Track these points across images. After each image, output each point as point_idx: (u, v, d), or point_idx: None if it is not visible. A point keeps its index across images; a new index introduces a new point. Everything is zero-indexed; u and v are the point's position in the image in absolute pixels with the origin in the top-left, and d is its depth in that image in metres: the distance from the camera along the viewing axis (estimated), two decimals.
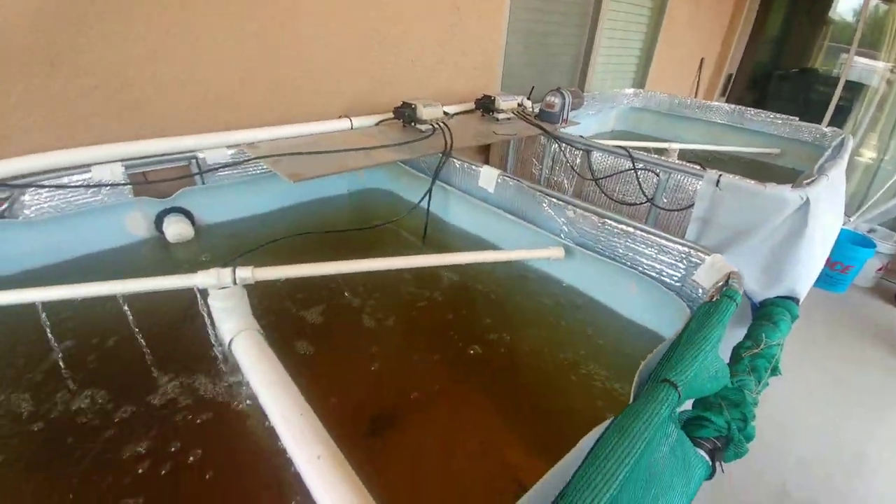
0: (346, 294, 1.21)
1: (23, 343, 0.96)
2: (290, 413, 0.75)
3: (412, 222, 1.54)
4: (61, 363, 0.92)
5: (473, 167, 1.44)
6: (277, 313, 1.13)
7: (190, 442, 0.82)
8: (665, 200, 1.74)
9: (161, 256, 1.31)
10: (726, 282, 0.95)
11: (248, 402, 0.90)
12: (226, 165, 1.40)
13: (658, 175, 1.70)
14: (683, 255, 1.05)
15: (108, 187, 1.24)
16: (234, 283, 0.92)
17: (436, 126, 1.65)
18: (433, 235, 1.51)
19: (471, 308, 1.20)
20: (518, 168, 2.14)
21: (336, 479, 0.66)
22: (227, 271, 0.92)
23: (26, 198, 1.14)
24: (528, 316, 1.18)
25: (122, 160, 1.25)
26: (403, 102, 1.65)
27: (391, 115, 1.69)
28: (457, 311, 1.18)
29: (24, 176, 1.12)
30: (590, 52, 2.87)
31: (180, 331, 1.04)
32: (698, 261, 1.03)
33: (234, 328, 0.93)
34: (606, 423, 0.59)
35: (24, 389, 0.88)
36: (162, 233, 1.35)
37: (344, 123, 1.63)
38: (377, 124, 1.71)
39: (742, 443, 0.73)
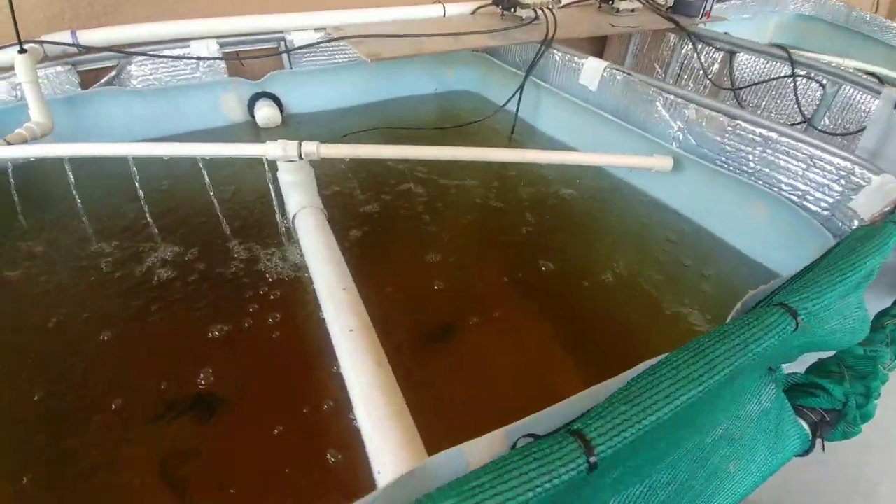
0: (416, 188, 1.14)
1: (117, 199, 1.06)
2: (334, 286, 0.73)
3: (498, 125, 1.39)
4: (148, 217, 1.00)
5: (576, 59, 1.23)
6: (343, 200, 1.11)
7: (252, 300, 0.85)
8: (827, 122, 1.36)
9: (251, 140, 1.35)
10: (894, 209, 0.70)
11: (306, 273, 0.90)
12: (311, 45, 1.35)
13: (823, 86, 1.32)
14: (843, 173, 0.79)
15: (206, 64, 1.27)
16: (300, 156, 0.90)
17: (538, 12, 1.42)
18: (519, 143, 1.36)
19: (549, 220, 1.06)
20: None
21: (364, 353, 0.63)
22: (294, 144, 0.89)
23: (133, 67, 1.21)
24: (615, 237, 1.02)
25: (217, 36, 1.26)
26: None
27: (488, 2, 1.48)
28: (533, 222, 1.06)
29: (131, 45, 1.18)
30: None
31: (255, 202, 1.07)
32: (862, 181, 0.77)
33: (298, 203, 0.93)
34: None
35: (112, 237, 0.98)
36: (253, 116, 1.38)
37: (436, 10, 1.47)
38: (473, 12, 1.52)
39: (857, 422, 0.56)
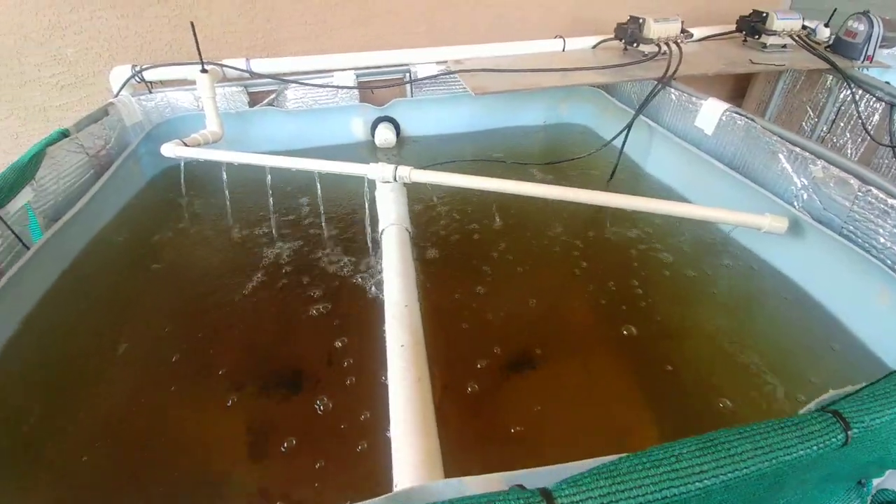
0: (498, 223, 1.17)
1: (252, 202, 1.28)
2: (398, 301, 0.80)
3: (604, 164, 1.35)
4: (272, 220, 1.19)
5: (694, 99, 1.15)
6: (427, 223, 1.19)
7: (329, 299, 0.97)
8: None
9: (366, 157, 1.52)
10: None
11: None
12: (432, 77, 1.48)
13: None
14: None
15: (343, 91, 1.48)
16: (395, 179, 1.00)
17: (663, 46, 1.35)
18: (622, 183, 1.30)
19: (638, 274, 1.00)
20: (782, 118, 1.60)
21: (408, 369, 0.69)
22: (391, 167, 1.00)
23: (288, 92, 1.46)
24: (712, 300, 0.92)
25: (354, 68, 1.46)
26: (630, 17, 1.40)
27: (609, 36, 1.46)
28: (618, 275, 1.00)
29: (288, 74, 1.43)
30: None
31: (350, 213, 1.21)
32: None
33: (388, 220, 1.03)
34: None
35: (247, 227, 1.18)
36: (373, 138, 1.56)
37: (556, 44, 1.50)
38: (595, 46, 1.51)
39: None
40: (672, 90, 1.22)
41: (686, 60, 1.27)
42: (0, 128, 1.47)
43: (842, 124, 1.37)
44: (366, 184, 1.04)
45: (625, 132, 1.26)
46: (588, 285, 0.98)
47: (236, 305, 0.96)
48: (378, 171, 1.01)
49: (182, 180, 1.21)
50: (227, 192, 1.17)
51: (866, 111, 1.27)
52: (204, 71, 1.26)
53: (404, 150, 1.55)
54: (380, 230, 1.04)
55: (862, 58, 1.29)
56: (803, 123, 1.51)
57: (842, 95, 1.35)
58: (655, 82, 1.25)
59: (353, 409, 0.76)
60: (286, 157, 1.08)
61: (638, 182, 1.31)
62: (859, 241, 0.78)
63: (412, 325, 0.76)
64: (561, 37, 1.51)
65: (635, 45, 1.39)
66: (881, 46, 1.29)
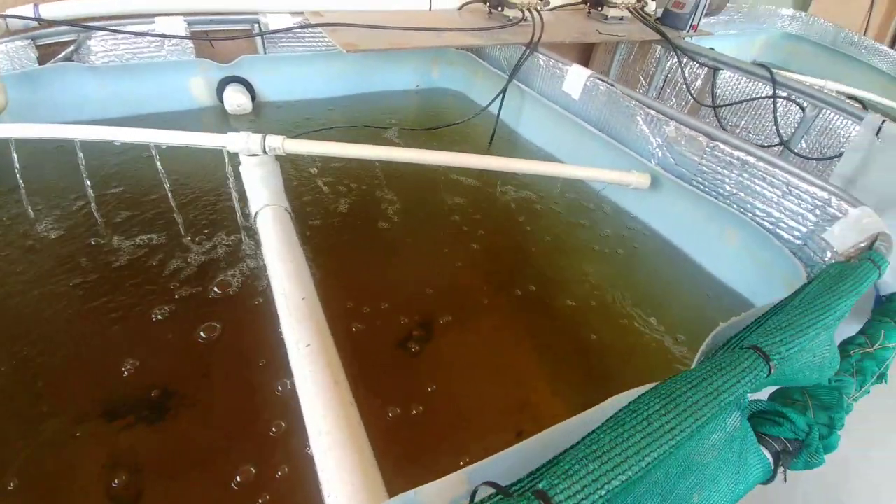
0: (386, 193, 1.10)
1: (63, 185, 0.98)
2: (292, 294, 0.69)
3: (480, 129, 1.35)
4: (93, 205, 0.93)
5: (560, 65, 1.20)
6: (309, 199, 1.05)
7: (203, 306, 0.79)
8: (804, 145, 1.37)
9: (219, 128, 1.27)
10: (871, 245, 0.70)
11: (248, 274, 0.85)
12: (287, 30, 1.28)
13: (803, 109, 1.33)
14: (819, 203, 0.79)
15: (172, 43, 1.19)
16: (264, 151, 0.84)
17: (526, 13, 1.38)
18: (500, 147, 1.32)
19: (522, 232, 1.04)
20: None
21: (321, 371, 0.60)
22: (258, 137, 0.84)
23: (92, 42, 1.13)
24: (587, 252, 1.00)
25: (185, 13, 1.18)
26: None
27: None
28: (505, 233, 1.03)
29: (91, 19, 1.10)
30: None
31: (210, 196, 1.01)
32: (838, 213, 0.77)
33: (261, 201, 0.87)
34: (652, 385, 0.44)
35: (59, 221, 0.90)
36: (222, 102, 1.31)
37: (422, 3, 1.42)
38: (460, 8, 1.47)
39: (820, 453, 0.56)
40: (540, 56, 1.26)
41: (546, 28, 1.31)
42: None
43: (668, 90, 1.59)
44: (227, 159, 0.86)
45: (500, 97, 1.26)
46: (478, 248, 0.98)
47: (66, 317, 0.73)
48: (241, 143, 0.83)
49: None
50: (20, 179, 0.86)
51: (691, 76, 1.49)
52: None
53: (262, 117, 1.34)
54: (252, 213, 0.88)
55: (688, 27, 1.50)
56: (637, 90, 1.72)
57: (669, 63, 1.56)
58: (524, 48, 1.27)
59: (255, 426, 0.64)
60: (111, 128, 0.82)
61: (514, 145, 1.35)
62: (709, 190, 0.91)
63: (315, 320, 0.66)
64: None
65: (500, 9, 1.39)
66: (707, 14, 1.51)
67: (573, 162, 1.20)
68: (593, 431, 0.36)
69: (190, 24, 1.19)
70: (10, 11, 1.01)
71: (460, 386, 0.74)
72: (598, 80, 1.11)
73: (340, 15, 1.27)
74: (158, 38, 1.16)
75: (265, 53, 1.32)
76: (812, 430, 0.56)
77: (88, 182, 0.88)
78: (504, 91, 1.26)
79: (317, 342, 0.63)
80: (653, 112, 0.99)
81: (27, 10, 1.03)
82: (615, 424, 0.36)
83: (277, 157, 0.89)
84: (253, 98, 1.34)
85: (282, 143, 0.84)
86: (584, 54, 1.93)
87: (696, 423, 0.36)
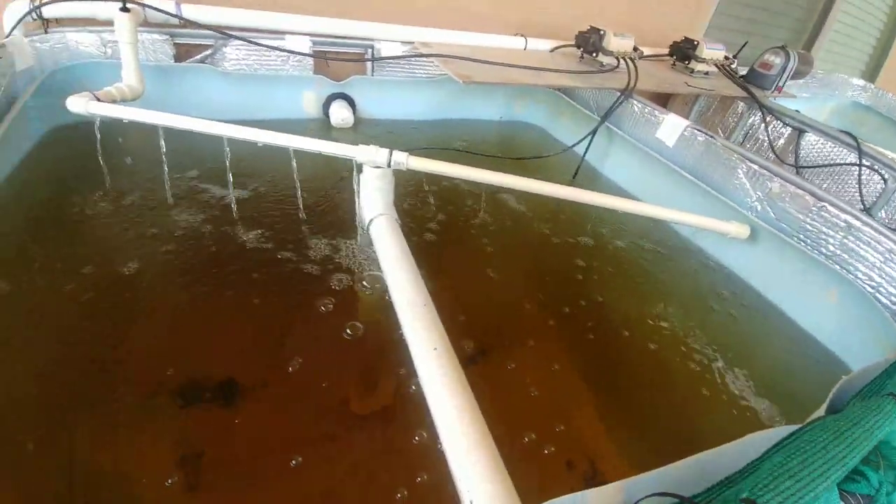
0: (483, 215, 1.15)
1: (200, 173, 1.07)
2: (415, 302, 0.73)
3: (560, 164, 1.40)
4: (233, 200, 1.01)
5: (656, 113, 1.25)
6: (411, 210, 1.12)
7: (323, 294, 0.85)
8: (884, 215, 1.37)
9: (322, 138, 1.36)
10: None
11: (368, 276, 0.90)
12: (399, 57, 1.38)
13: (885, 180, 1.33)
14: None
15: (295, 58, 1.30)
16: (389, 164, 0.91)
17: (621, 61, 1.45)
18: (583, 184, 1.37)
19: (606, 268, 1.06)
20: None
21: (449, 376, 0.63)
22: (385, 152, 0.90)
23: (228, 50, 1.24)
24: (673, 297, 1.01)
25: (311, 34, 1.29)
26: (591, 27, 1.47)
27: (570, 42, 1.52)
28: (589, 268, 1.05)
29: (229, 28, 1.21)
30: (828, 12, 2.30)
31: (331, 199, 1.08)
32: None
33: (376, 210, 0.94)
34: (790, 427, 0.46)
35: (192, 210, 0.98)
36: (327, 116, 1.41)
37: (517, 42, 1.51)
38: (553, 50, 1.56)
39: None
40: (634, 102, 1.31)
41: (640, 76, 1.37)
42: None
43: (748, 145, 1.62)
44: (354, 168, 0.93)
45: (590, 137, 1.32)
46: (556, 277, 1.01)
47: (206, 296, 0.79)
48: (369, 155, 0.90)
49: (98, 144, 0.95)
50: (165, 164, 0.96)
51: (773, 135, 1.52)
52: (125, 9, 1.01)
53: (360, 131, 1.43)
54: (365, 220, 0.94)
55: (773, 88, 1.54)
56: None
57: (751, 120, 1.59)
58: (619, 93, 1.33)
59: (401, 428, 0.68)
60: (255, 130, 0.91)
61: (596, 183, 1.39)
62: (810, 247, 0.93)
63: (435, 325, 0.70)
64: (522, 35, 1.52)
65: (594, 54, 1.46)
66: (793, 77, 1.55)
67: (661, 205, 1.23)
68: (769, 455, 0.39)
69: (314, 43, 1.30)
70: (150, 2, 1.11)
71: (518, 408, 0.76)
72: (695, 131, 1.15)
73: (445, 48, 1.36)
74: (285, 53, 1.27)
75: (372, 75, 1.42)
76: (882, 486, 0.55)
77: (231, 177, 0.96)
78: (594, 132, 1.32)
79: (442, 346, 0.67)
80: (756, 167, 1.01)
81: (169, 6, 1.12)
82: (796, 450, 0.38)
83: (395, 171, 0.95)
84: (354, 112, 1.44)
85: (406, 159, 0.91)
86: (660, 101, 1.98)
87: (861, 454, 0.38)
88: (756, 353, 0.90)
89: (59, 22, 1.10)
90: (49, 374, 0.65)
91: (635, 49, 1.46)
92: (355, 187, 0.94)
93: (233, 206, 1.00)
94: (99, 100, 0.96)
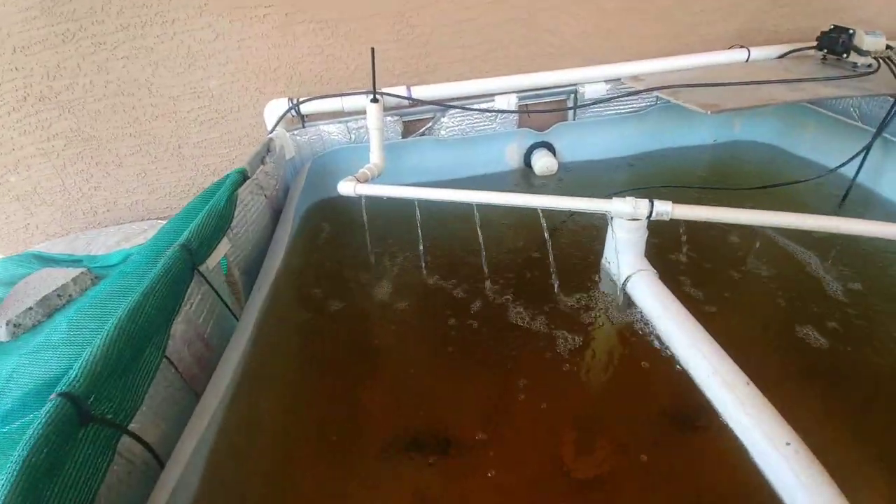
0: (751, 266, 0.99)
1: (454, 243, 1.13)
2: (734, 382, 0.62)
3: (814, 189, 1.17)
4: (484, 263, 1.04)
5: None
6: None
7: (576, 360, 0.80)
8: None
9: (523, 187, 1.37)
10: None
11: (654, 342, 0.82)
12: (599, 101, 1.34)
13: None
14: None
15: (502, 116, 1.35)
16: (650, 216, 0.84)
17: (880, 61, 1.19)
18: (853, 211, 1.11)
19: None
20: None
21: (818, 481, 0.51)
22: (644, 202, 0.84)
23: (445, 119, 1.34)
24: None
25: (517, 91, 1.33)
26: (834, 27, 1.24)
27: (805, 45, 1.30)
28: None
29: (448, 99, 1.30)
30: None
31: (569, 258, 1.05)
32: None
33: (633, 265, 0.87)
34: None
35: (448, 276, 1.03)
36: (528, 165, 1.41)
37: (739, 54, 1.34)
38: (782, 56, 1.35)
39: None
40: None
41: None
42: (127, 164, 1.36)
43: None
44: (610, 223, 0.88)
45: (863, 154, 1.08)
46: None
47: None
48: (628, 207, 0.84)
49: (364, 218, 1.07)
50: (420, 232, 1.02)
51: None
52: (375, 100, 1.14)
53: (565, 178, 1.40)
54: (622, 278, 0.87)
55: None
56: None
57: None
58: (891, 97, 1.08)
59: None
60: (498, 193, 0.93)
61: (872, 208, 1.12)
62: None
63: (774, 415, 0.58)
64: (743, 46, 1.35)
65: (845, 55, 1.22)
66: None
67: None
68: None
69: (520, 98, 1.33)
70: (388, 90, 1.25)
71: None
72: None
73: (659, 77, 1.26)
74: (493, 115, 1.32)
75: (574, 119, 1.39)
76: None
77: (483, 244, 0.99)
78: (869, 147, 1.07)
79: (795, 442, 0.55)
80: None
81: (401, 90, 1.26)
82: None
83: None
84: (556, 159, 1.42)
85: (671, 209, 0.83)
86: None
87: None
88: None
89: (308, 117, 1.30)
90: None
91: (889, 48, 1.19)
92: (612, 243, 0.89)
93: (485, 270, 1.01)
94: (359, 181, 1.10)
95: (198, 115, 1.33)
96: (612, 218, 0.88)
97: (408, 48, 1.31)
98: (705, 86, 1.13)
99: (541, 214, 0.93)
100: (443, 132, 1.35)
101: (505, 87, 1.31)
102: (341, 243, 1.16)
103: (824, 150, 1.24)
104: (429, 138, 1.33)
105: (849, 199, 1.13)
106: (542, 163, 1.36)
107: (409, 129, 1.35)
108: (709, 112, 0.99)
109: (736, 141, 1.49)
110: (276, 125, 1.24)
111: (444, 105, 1.27)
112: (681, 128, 1.46)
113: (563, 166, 1.43)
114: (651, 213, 0.84)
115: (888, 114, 1.08)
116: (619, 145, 1.44)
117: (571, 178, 1.39)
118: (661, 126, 1.45)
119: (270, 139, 1.18)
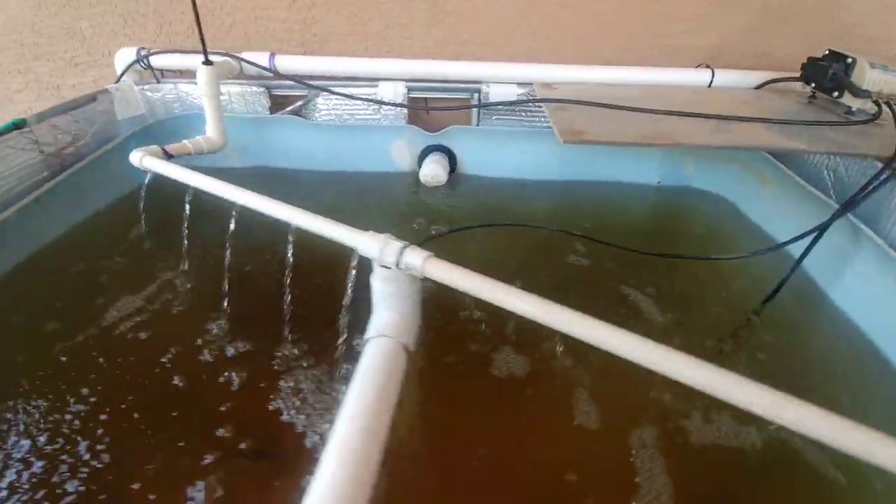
0: (564, 364, 0.72)
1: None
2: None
3: (755, 270, 0.85)
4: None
5: None
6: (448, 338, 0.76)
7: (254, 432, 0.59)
8: None
9: (407, 196, 1.13)
10: None
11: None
12: (509, 104, 1.07)
13: None
14: None
15: (389, 108, 1.12)
16: (397, 265, 0.60)
17: (882, 105, 0.83)
18: (785, 318, 0.79)
19: None
20: None
21: None
22: (396, 246, 0.60)
23: (319, 101, 1.13)
24: None
25: (407, 79, 1.09)
26: (830, 51, 0.89)
27: (791, 74, 0.95)
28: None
29: (323, 77, 1.10)
30: None
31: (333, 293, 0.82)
32: None
33: (378, 328, 0.63)
34: None
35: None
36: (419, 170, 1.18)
37: (700, 75, 1.02)
38: (760, 86, 1.01)
39: None
40: None
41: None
42: (15, 100, 1.30)
43: None
44: (352, 262, 0.65)
45: (815, 234, 0.75)
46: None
47: None
48: (375, 248, 0.61)
49: (142, 203, 0.90)
50: (186, 223, 0.84)
51: None
52: (207, 62, 0.96)
53: (456, 192, 1.15)
54: (364, 337, 0.64)
55: None
56: None
57: None
58: (880, 163, 0.73)
59: None
60: (270, 200, 0.71)
61: (815, 322, 0.79)
62: None
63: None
64: (708, 66, 1.02)
65: (835, 94, 0.87)
66: None
67: None
68: None
69: (410, 89, 1.09)
70: (247, 56, 1.06)
71: None
72: None
73: (578, 89, 0.98)
74: (374, 103, 1.10)
75: (477, 125, 1.13)
76: None
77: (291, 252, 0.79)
78: (825, 227, 0.74)
79: None
80: None
81: (262, 58, 1.06)
82: None
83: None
84: (452, 169, 1.17)
85: (422, 263, 0.58)
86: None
87: None
88: None
89: (175, 73, 1.15)
90: None
91: None
92: (348, 287, 0.66)
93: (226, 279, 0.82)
94: (170, 154, 0.92)
95: (73, 57, 1.23)
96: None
97: (291, 9, 1.11)
98: (608, 107, 0.83)
99: (289, 233, 0.71)
100: (317, 115, 1.14)
101: (392, 73, 1.08)
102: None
103: (780, 219, 0.90)
104: (297, 119, 1.13)
105: (787, 293, 0.81)
106: (428, 170, 1.12)
107: (279, 105, 1.16)
108: (562, 139, 0.72)
109: (685, 187, 1.15)
110: (121, 76, 1.10)
111: (303, 83, 1.06)
112: (622, 159, 1.15)
113: (462, 178, 1.19)
114: (399, 261, 0.60)
115: (862, 189, 0.74)
116: (534, 166, 1.16)
117: (465, 195, 1.14)
118: (595, 152, 1.15)
119: (103, 91, 1.04)
